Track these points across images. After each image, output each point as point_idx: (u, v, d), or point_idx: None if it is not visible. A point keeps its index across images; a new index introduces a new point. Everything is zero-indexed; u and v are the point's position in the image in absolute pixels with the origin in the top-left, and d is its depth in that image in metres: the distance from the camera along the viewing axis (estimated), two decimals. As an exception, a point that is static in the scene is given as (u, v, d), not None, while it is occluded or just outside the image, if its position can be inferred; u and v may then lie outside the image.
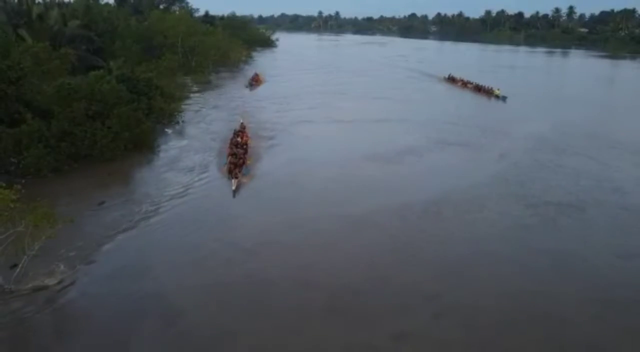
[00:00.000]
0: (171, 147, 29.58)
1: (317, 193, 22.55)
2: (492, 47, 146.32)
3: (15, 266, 13.76)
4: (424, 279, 15.09)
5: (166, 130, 33.07)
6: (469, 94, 55.42)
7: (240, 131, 31.08)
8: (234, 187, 22.08)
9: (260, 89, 54.49)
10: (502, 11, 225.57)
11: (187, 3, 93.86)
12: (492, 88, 52.58)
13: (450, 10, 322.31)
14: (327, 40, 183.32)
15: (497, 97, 50.40)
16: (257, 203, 21.27)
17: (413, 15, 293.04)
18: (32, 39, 38.79)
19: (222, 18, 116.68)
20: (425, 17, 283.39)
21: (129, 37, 54.76)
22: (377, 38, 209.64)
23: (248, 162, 25.73)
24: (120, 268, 15.26)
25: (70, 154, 23.21)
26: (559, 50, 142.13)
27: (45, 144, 21.90)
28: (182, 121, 35.46)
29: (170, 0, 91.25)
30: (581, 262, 16.74)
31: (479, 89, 55.38)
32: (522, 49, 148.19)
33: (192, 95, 47.77)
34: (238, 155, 25.71)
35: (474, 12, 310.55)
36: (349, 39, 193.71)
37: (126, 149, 25.96)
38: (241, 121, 33.68)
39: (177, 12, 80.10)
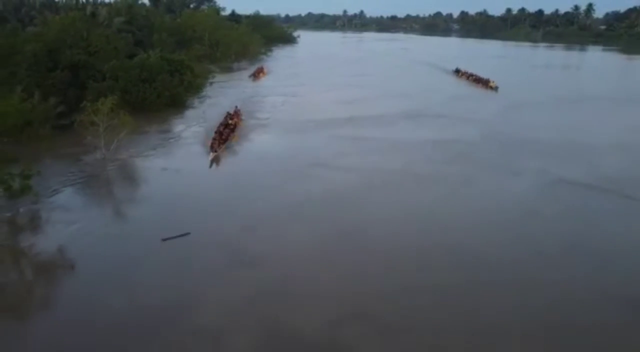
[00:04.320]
0: (196, 106, 41.31)
1: (293, 116, 37.76)
2: (509, 44, 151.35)
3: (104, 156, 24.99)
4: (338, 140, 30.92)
5: (199, 94, 44.73)
6: (463, 81, 62.84)
7: (233, 114, 34.77)
8: (210, 158, 25.75)
9: (274, 71, 67.19)
10: (523, 9, 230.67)
11: (215, 2, 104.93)
12: (488, 80, 57.49)
13: (475, 9, 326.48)
14: (347, 37, 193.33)
15: (491, 87, 55.39)
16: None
17: (438, 13, 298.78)
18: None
19: (248, 17, 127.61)
20: (450, 15, 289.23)
21: (164, 31, 65.99)
22: (397, 35, 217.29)
23: (234, 140, 30.13)
24: (160, 152, 27.51)
25: (130, 104, 34.29)
26: (576, 46, 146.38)
27: (116, 96, 33.07)
28: (206, 92, 46.48)
29: (200, 0, 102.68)
30: (432, 141, 30.50)
31: (478, 80, 60.33)
32: (535, 45, 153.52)
33: (216, 76, 58.93)
34: (223, 134, 29.37)
35: (498, 10, 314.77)
36: (369, 36, 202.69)
37: (167, 105, 37.09)
38: (236, 105, 37.67)
39: (206, 11, 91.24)
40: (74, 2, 62.82)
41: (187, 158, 26.75)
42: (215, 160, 25.94)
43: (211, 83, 51.86)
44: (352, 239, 17.15)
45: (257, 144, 30.23)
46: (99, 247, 16.39)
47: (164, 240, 16.55)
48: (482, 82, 58.42)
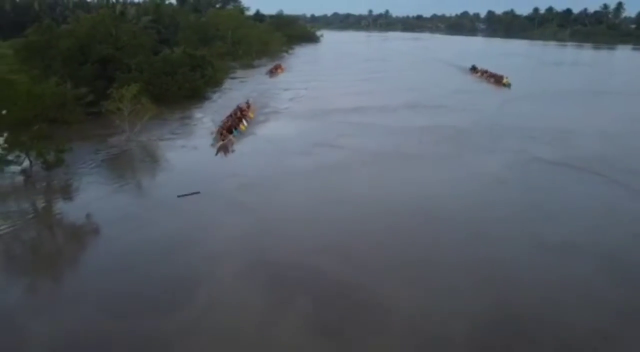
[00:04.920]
0: (215, 98, 44.29)
1: (302, 107, 41.28)
2: (535, 43, 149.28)
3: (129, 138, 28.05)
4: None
5: (218, 88, 48.00)
6: (477, 78, 64.28)
7: (245, 107, 36.26)
8: (218, 146, 26.91)
9: (293, 68, 70.75)
10: (551, 8, 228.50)
11: (240, 2, 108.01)
12: (502, 77, 58.05)
13: (502, 9, 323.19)
14: (371, 37, 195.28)
15: (504, 84, 55.94)
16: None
17: (465, 13, 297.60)
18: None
19: (272, 16, 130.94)
20: (476, 15, 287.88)
21: (189, 30, 69.39)
22: (422, 35, 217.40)
23: (242, 128, 31.43)
24: (180, 135, 30.82)
25: (153, 95, 37.27)
26: (604, 45, 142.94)
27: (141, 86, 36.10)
28: (225, 86, 49.46)
29: (225, 0, 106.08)
30: (427, 127, 32.98)
31: (491, 77, 61.12)
32: (561, 44, 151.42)
33: (237, 72, 62.37)
34: (232, 123, 30.75)
35: (525, 10, 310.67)
36: (393, 36, 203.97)
37: (187, 96, 40.14)
38: (248, 99, 39.60)
39: (231, 10, 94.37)
40: (105, 1, 66.76)
41: (204, 138, 29.81)
42: (223, 149, 26.96)
43: (231, 78, 54.98)
44: (336, 195, 20.41)
45: (266, 129, 32.89)
46: (125, 202, 19.91)
47: (179, 197, 19.99)
48: (496, 79, 58.74)
